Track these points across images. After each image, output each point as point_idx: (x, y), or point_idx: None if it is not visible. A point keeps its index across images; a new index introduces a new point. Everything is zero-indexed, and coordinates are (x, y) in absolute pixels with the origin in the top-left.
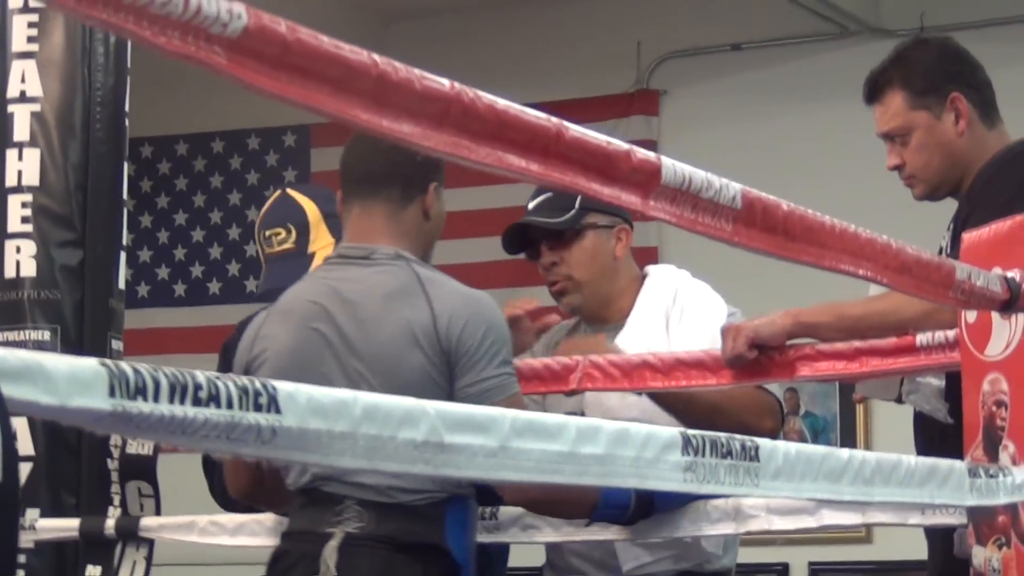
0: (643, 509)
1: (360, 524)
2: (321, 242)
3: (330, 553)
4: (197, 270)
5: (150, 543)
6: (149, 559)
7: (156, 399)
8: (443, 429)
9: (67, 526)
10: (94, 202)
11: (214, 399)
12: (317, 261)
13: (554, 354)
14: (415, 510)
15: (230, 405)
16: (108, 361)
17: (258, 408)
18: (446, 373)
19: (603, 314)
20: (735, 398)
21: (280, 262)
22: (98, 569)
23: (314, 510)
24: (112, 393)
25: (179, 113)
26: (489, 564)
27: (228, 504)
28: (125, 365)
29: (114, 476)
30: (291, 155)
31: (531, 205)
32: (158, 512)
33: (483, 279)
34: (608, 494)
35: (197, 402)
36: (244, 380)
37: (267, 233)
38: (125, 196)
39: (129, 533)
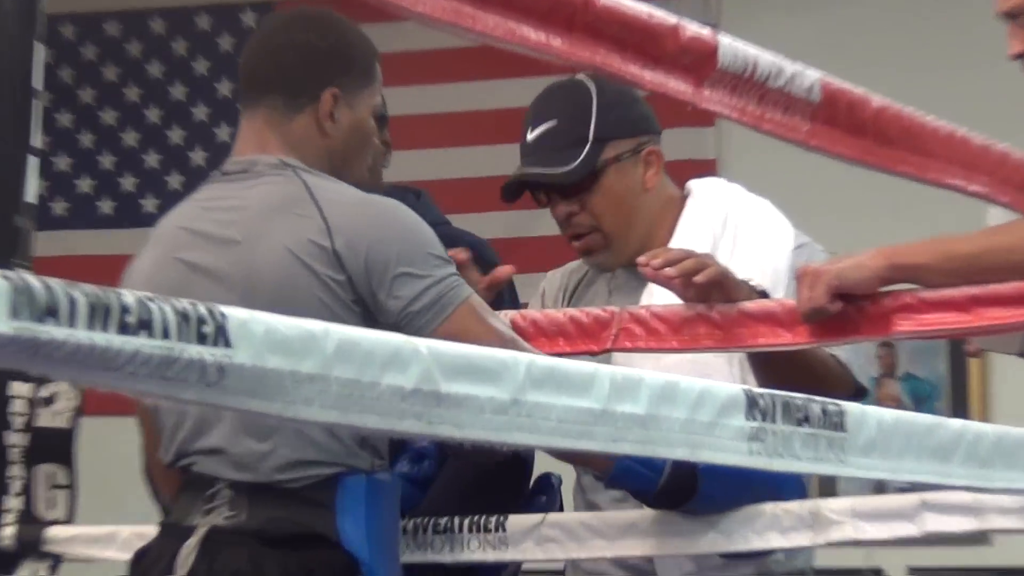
0: (680, 482)
1: (232, 514)
2: None
3: (187, 553)
4: (128, 183)
5: (57, 558)
6: (54, 572)
7: (72, 323)
8: (439, 375)
9: None
10: None
11: (145, 326)
12: None
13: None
14: (295, 493)
15: (166, 334)
16: (10, 273)
17: (202, 339)
18: (350, 303)
19: (638, 253)
20: (827, 364)
21: None
22: None
23: (186, 496)
24: (15, 314)
25: None
26: None
27: None
28: (33, 279)
29: (14, 455)
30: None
31: (529, 138)
32: (72, 512)
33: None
34: None
35: (124, 328)
36: (185, 303)
37: None
38: (39, 87)
39: (31, 546)
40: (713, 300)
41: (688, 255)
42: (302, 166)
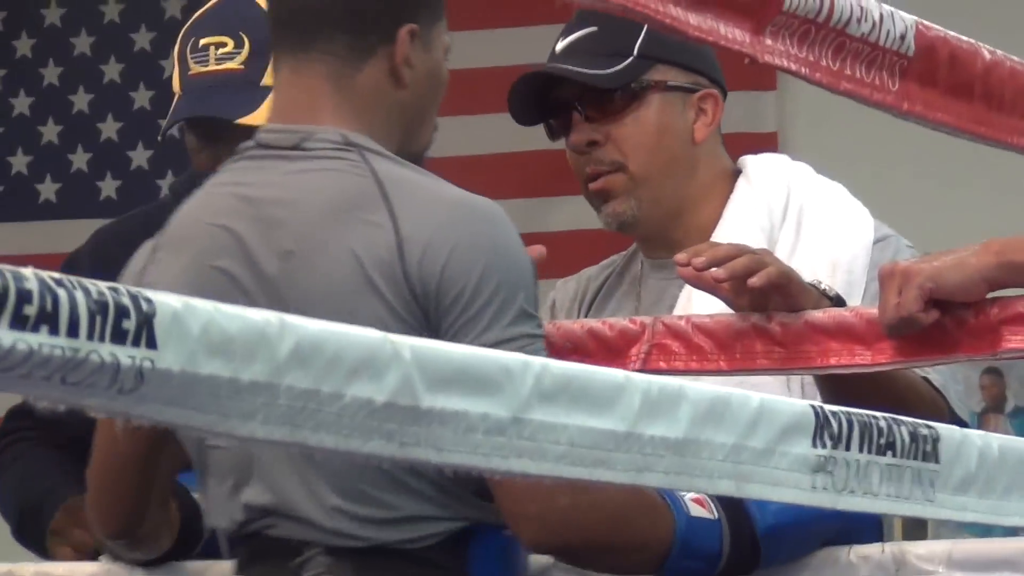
0: (742, 561)
1: None
2: None
3: None
4: (19, 163)
5: None
6: None
7: None
8: (422, 385)
9: None
10: None
11: (48, 320)
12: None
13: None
14: (414, 556)
15: (74, 331)
16: None
17: (119, 337)
18: (420, 330)
19: (670, 233)
20: (918, 389)
21: (212, 91)
22: None
23: (263, 568)
24: None
25: None
26: None
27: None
28: None
29: None
30: None
31: (560, 46)
32: None
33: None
34: (687, 533)
35: (20, 323)
36: (103, 289)
37: (202, 43)
38: None
39: None
40: (772, 308)
41: (740, 251)
42: (371, 145)
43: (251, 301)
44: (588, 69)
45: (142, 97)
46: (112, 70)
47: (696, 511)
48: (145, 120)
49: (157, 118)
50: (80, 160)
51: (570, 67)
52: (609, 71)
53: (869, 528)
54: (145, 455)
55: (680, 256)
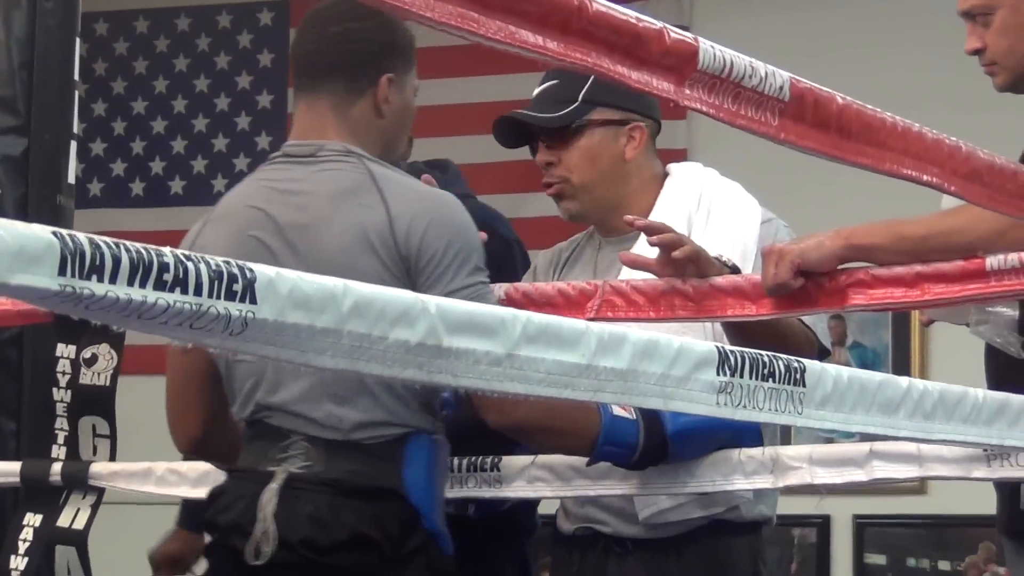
0: (653, 451)
1: (306, 463)
2: None
3: (269, 497)
4: (157, 166)
5: (99, 491)
6: (96, 507)
7: (113, 280)
8: (443, 330)
9: (5, 471)
10: (41, 83)
11: (180, 283)
12: None
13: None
14: (369, 449)
15: (199, 291)
16: (63, 232)
17: (231, 296)
18: (405, 284)
19: (613, 222)
20: (794, 329)
21: None
22: (39, 518)
23: (259, 445)
24: (63, 270)
25: None
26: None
27: None
28: (82, 238)
29: (60, 409)
30: (267, 35)
31: (535, 92)
32: (113, 456)
33: (484, 182)
34: (611, 427)
35: (160, 286)
36: (219, 262)
37: None
38: (76, 78)
39: (77, 481)
40: (687, 275)
41: (669, 229)
42: (365, 154)
43: (276, 260)
44: (544, 114)
45: (243, 122)
46: (222, 103)
47: (619, 412)
48: (243, 140)
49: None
50: (199, 165)
51: (531, 113)
52: (557, 115)
53: (751, 435)
54: (205, 372)
55: (628, 216)
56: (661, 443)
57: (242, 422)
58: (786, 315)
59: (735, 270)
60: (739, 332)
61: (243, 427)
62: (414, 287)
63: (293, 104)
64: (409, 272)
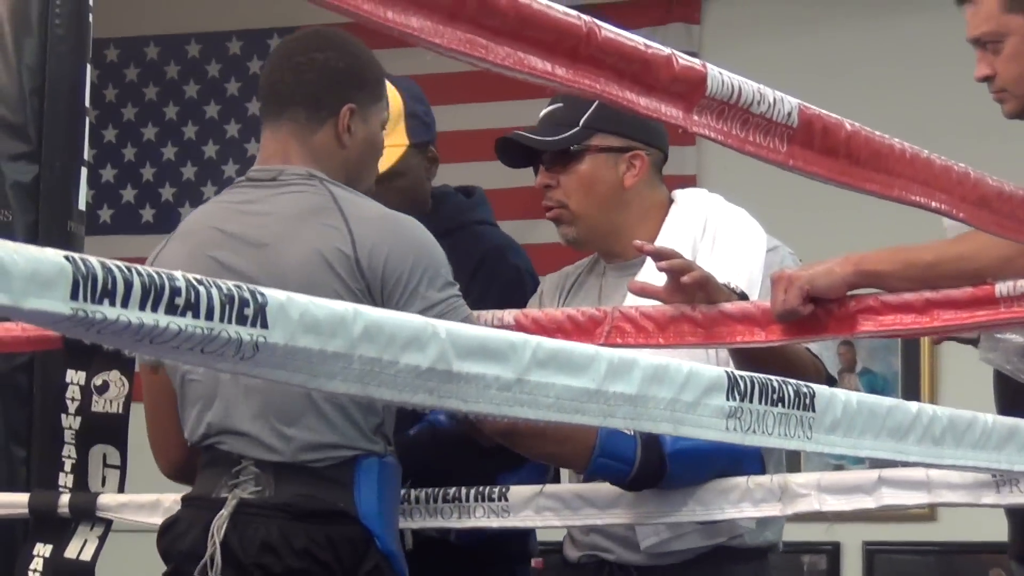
0: (651, 470)
1: (257, 489)
2: (394, 140)
3: (220, 524)
4: (167, 192)
5: (107, 522)
6: (103, 538)
7: (125, 304)
8: (454, 355)
9: (14, 502)
10: (52, 110)
11: (192, 308)
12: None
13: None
14: (318, 472)
15: (210, 316)
16: (75, 257)
17: (242, 320)
18: (364, 300)
19: (615, 248)
20: (801, 356)
21: None
22: (48, 548)
23: (211, 472)
24: (75, 295)
25: (150, 11)
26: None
27: None
28: (94, 262)
29: (68, 436)
30: None
31: (540, 115)
32: (122, 487)
33: (492, 208)
34: (607, 440)
35: (172, 310)
36: (231, 286)
37: None
38: (87, 105)
39: (85, 512)
40: (696, 301)
41: (678, 255)
42: (327, 178)
43: (237, 278)
44: (545, 137)
45: (253, 148)
46: (232, 129)
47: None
48: None
49: None
50: (209, 192)
51: (531, 135)
52: (556, 138)
53: (752, 461)
54: (173, 406)
55: (637, 241)
56: (659, 462)
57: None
58: (795, 341)
59: (743, 297)
60: (746, 359)
61: (197, 452)
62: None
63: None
64: (372, 293)
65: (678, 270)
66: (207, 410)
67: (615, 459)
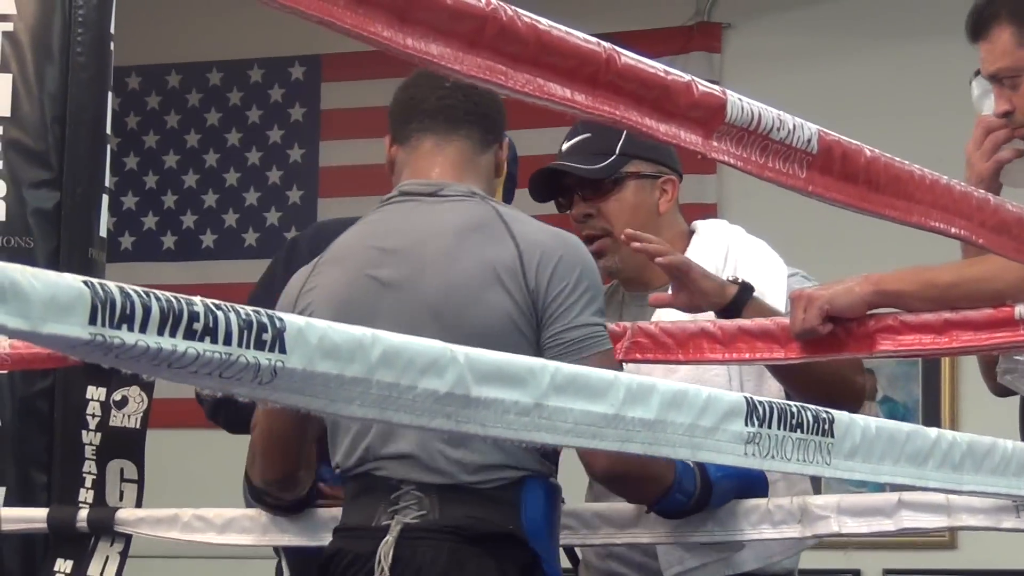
0: (703, 498)
1: (421, 513)
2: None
3: (386, 551)
4: (189, 220)
5: (127, 538)
6: (124, 554)
7: (143, 330)
8: (472, 380)
9: (33, 516)
10: (73, 137)
11: (210, 332)
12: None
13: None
14: (484, 494)
15: (228, 340)
16: (94, 282)
17: (260, 345)
18: (532, 321)
19: (644, 276)
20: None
21: None
22: (69, 564)
23: (368, 499)
24: (93, 320)
25: (171, 39)
26: None
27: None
28: (113, 287)
29: (89, 452)
30: (299, 89)
31: (564, 147)
32: (140, 502)
33: None
34: (682, 472)
35: (191, 335)
36: (249, 312)
37: None
38: (108, 132)
39: (103, 527)
40: (694, 292)
41: (661, 242)
42: (488, 195)
43: (399, 296)
44: (584, 165)
45: (274, 175)
46: (253, 156)
47: None
48: (274, 193)
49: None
50: (231, 219)
51: (572, 164)
52: (598, 166)
53: (759, 484)
54: (299, 422)
55: (636, 243)
56: (707, 490)
57: (344, 475)
58: (814, 359)
59: (745, 286)
60: (789, 375)
61: (344, 481)
62: (539, 322)
63: (323, 156)
64: (536, 307)
65: (652, 254)
66: (363, 437)
67: (683, 493)
